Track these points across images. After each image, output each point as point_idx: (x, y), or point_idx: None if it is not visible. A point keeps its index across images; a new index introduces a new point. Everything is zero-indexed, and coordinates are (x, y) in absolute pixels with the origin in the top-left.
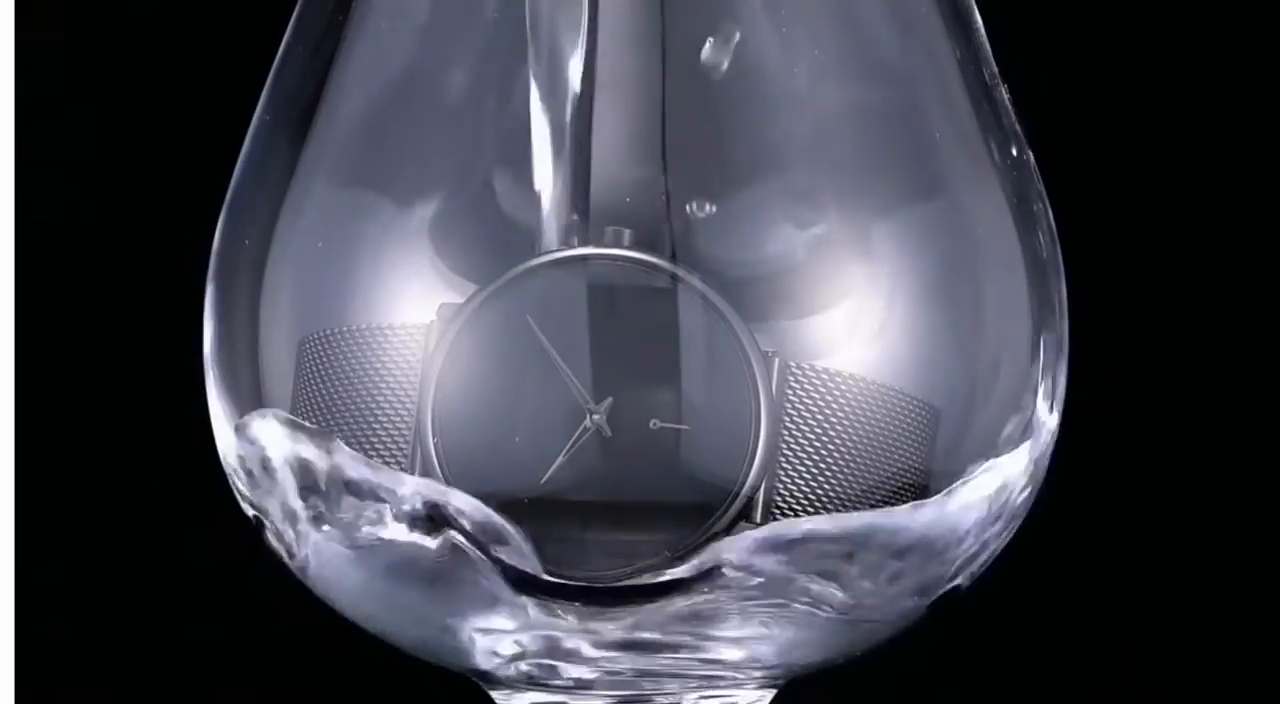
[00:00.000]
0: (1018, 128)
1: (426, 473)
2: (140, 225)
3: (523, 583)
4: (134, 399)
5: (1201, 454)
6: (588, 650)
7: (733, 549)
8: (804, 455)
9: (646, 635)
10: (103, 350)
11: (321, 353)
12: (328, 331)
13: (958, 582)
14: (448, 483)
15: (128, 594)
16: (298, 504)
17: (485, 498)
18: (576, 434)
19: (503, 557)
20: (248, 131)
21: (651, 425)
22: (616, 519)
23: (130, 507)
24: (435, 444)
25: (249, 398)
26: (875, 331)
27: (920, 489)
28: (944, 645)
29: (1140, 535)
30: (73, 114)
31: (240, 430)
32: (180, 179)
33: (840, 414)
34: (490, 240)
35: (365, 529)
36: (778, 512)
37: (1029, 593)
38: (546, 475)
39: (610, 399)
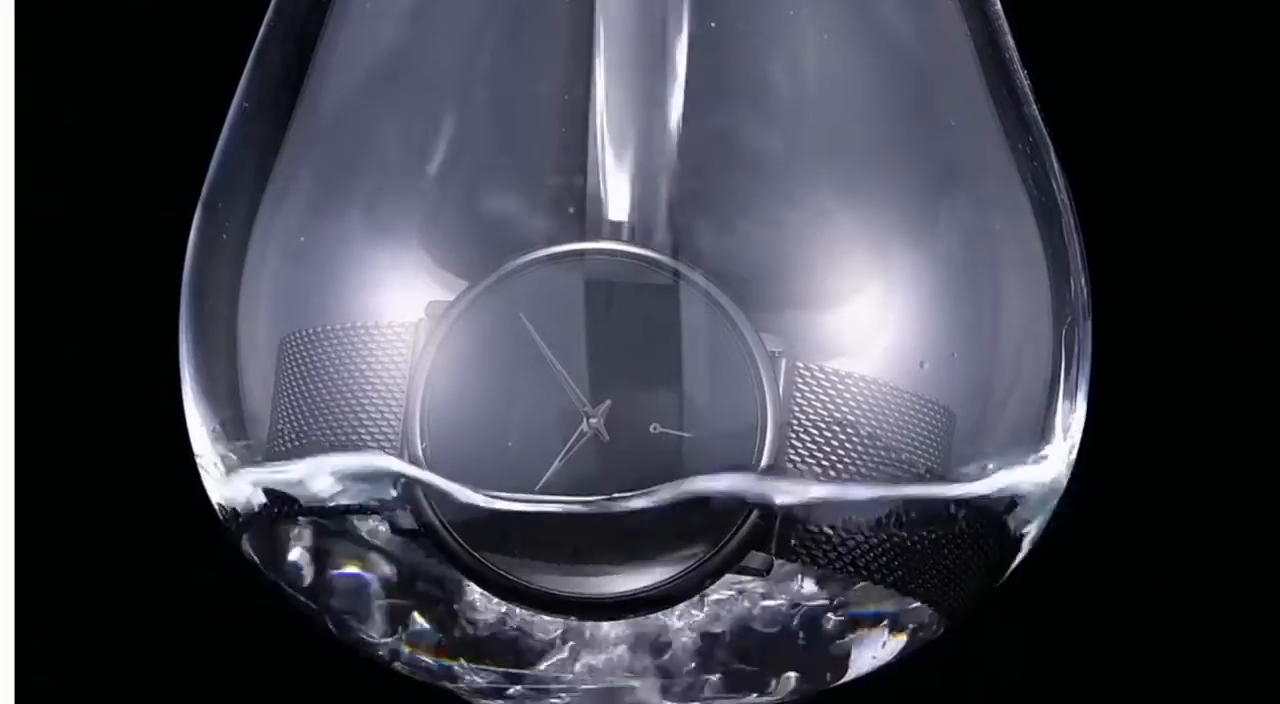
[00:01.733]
0: (1039, 116)
1: (405, 487)
2: (112, 220)
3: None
4: (109, 399)
5: (1206, 454)
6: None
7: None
8: (814, 462)
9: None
10: (76, 348)
11: (303, 353)
12: (310, 331)
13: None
14: (428, 501)
15: (112, 600)
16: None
17: (475, 506)
18: (572, 439)
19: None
20: (225, 119)
21: (652, 430)
22: (614, 530)
23: (114, 512)
24: (424, 449)
25: (226, 401)
26: (887, 331)
27: (970, 504)
28: (952, 647)
29: (1142, 536)
30: (38, 100)
31: None
32: (154, 170)
33: (852, 418)
34: (482, 234)
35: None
36: (796, 538)
37: (1032, 593)
38: (541, 483)
39: (608, 402)
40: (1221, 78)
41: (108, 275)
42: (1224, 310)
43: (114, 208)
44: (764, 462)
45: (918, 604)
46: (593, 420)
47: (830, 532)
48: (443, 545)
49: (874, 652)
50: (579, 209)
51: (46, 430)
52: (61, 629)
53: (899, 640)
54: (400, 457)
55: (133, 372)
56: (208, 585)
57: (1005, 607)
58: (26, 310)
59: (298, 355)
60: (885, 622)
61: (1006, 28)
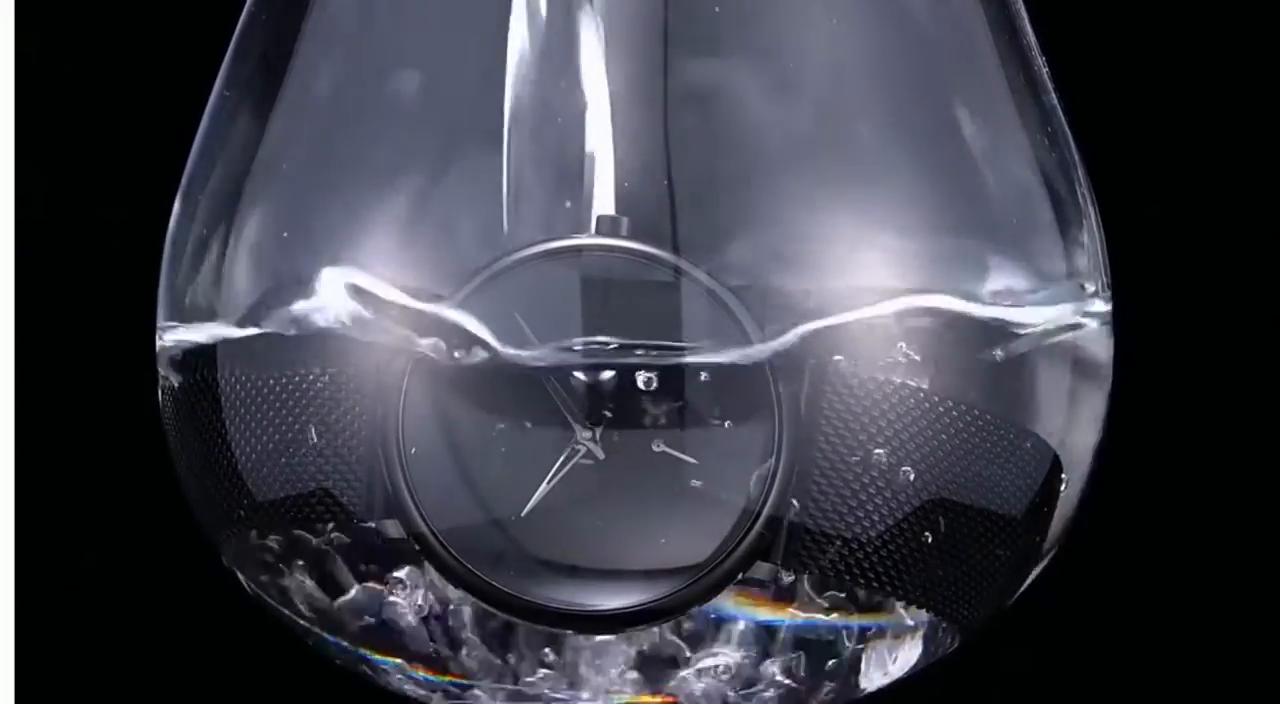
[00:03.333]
0: (1058, 106)
1: (393, 496)
2: (86, 214)
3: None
4: (88, 406)
5: (1222, 456)
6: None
7: None
8: (838, 478)
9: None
10: (53, 352)
11: (285, 354)
12: (292, 331)
13: None
14: (417, 508)
15: (95, 611)
16: None
17: (461, 526)
18: (564, 455)
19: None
20: (205, 109)
21: (654, 448)
22: (610, 554)
23: (114, 512)
24: (403, 465)
25: None
26: (904, 328)
27: (982, 512)
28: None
29: (1158, 539)
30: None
31: None
32: (130, 162)
33: (886, 428)
34: (474, 229)
35: None
36: (804, 549)
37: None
38: (529, 504)
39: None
40: (1245, 69)
41: (108, 273)
42: (1245, 310)
43: (115, 204)
44: (779, 478)
45: (930, 617)
46: (586, 435)
47: (838, 539)
48: (434, 556)
49: (884, 668)
50: (576, 202)
51: (46, 431)
52: (62, 630)
53: (911, 655)
54: (383, 463)
55: (132, 370)
56: (207, 587)
57: (1016, 615)
58: (26, 310)
59: (279, 357)
60: (896, 635)
61: (1024, 14)
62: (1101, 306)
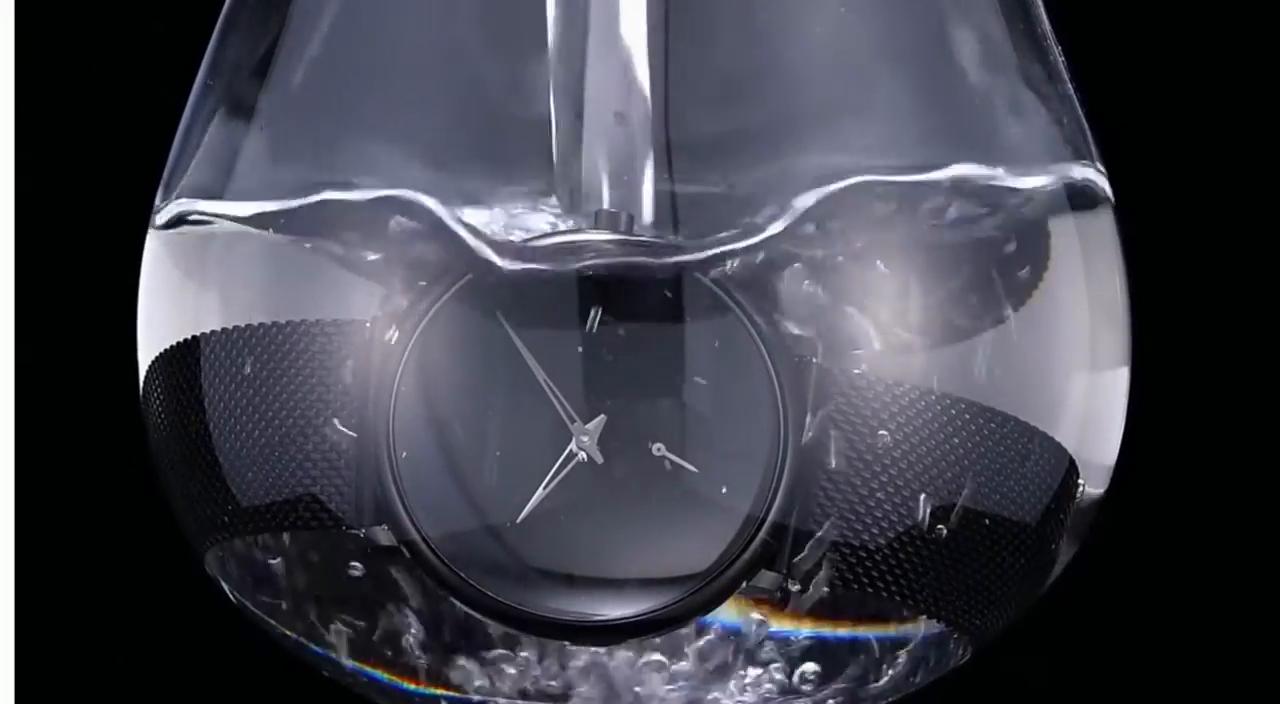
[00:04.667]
0: (1074, 95)
1: (383, 501)
2: (85, 214)
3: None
4: (87, 405)
5: (1240, 460)
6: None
7: None
8: (848, 486)
9: None
10: (53, 352)
11: (271, 350)
12: (275, 326)
13: None
14: (409, 516)
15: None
16: None
17: (454, 533)
18: (561, 460)
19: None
20: (188, 99)
21: (654, 451)
22: (609, 562)
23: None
24: (394, 469)
25: None
26: (914, 328)
27: (1001, 521)
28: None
29: (1180, 548)
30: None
31: None
32: (130, 162)
33: (896, 431)
34: (466, 225)
35: None
36: (809, 557)
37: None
38: (525, 511)
39: (603, 417)
40: (1253, 66)
41: (62, 273)
42: (1262, 308)
43: (114, 203)
44: (784, 483)
45: (941, 627)
46: (584, 439)
47: (845, 547)
48: (425, 565)
49: (893, 679)
50: (573, 196)
51: (44, 431)
52: (62, 635)
53: (921, 667)
54: (373, 467)
55: (130, 371)
56: (205, 588)
57: (1028, 624)
58: (26, 310)
59: (266, 352)
60: (904, 646)
61: (1040, 2)
62: (1120, 292)
